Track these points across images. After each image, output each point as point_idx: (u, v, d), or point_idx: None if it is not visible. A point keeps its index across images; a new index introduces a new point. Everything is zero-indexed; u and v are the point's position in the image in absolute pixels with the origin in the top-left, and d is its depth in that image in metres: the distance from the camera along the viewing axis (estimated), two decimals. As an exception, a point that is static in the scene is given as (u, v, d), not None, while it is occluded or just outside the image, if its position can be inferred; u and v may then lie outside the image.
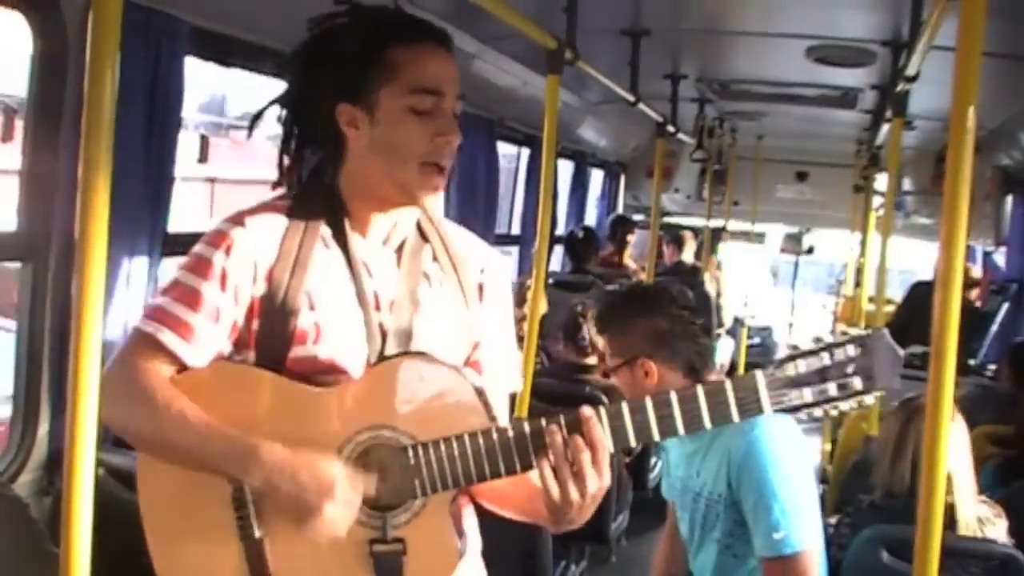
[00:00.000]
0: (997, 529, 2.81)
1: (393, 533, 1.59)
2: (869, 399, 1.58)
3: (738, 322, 9.11)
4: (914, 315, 6.02)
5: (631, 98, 4.89)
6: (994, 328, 6.41)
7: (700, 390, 1.55)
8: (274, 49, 3.41)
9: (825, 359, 1.54)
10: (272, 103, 1.74)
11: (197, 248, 1.65)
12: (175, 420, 1.55)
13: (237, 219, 1.66)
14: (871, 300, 4.75)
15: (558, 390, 4.15)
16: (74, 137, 2.62)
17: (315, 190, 1.72)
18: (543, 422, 1.56)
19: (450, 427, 1.58)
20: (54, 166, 2.65)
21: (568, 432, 1.54)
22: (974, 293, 6.78)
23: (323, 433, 1.58)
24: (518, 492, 1.71)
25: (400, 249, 1.74)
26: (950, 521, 2.71)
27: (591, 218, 8.88)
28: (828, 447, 5.73)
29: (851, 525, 2.92)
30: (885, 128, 5.08)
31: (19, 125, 2.74)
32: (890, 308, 6.24)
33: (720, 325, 8.29)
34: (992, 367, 5.85)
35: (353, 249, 1.69)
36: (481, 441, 1.57)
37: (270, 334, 1.64)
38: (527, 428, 1.56)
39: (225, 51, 3.36)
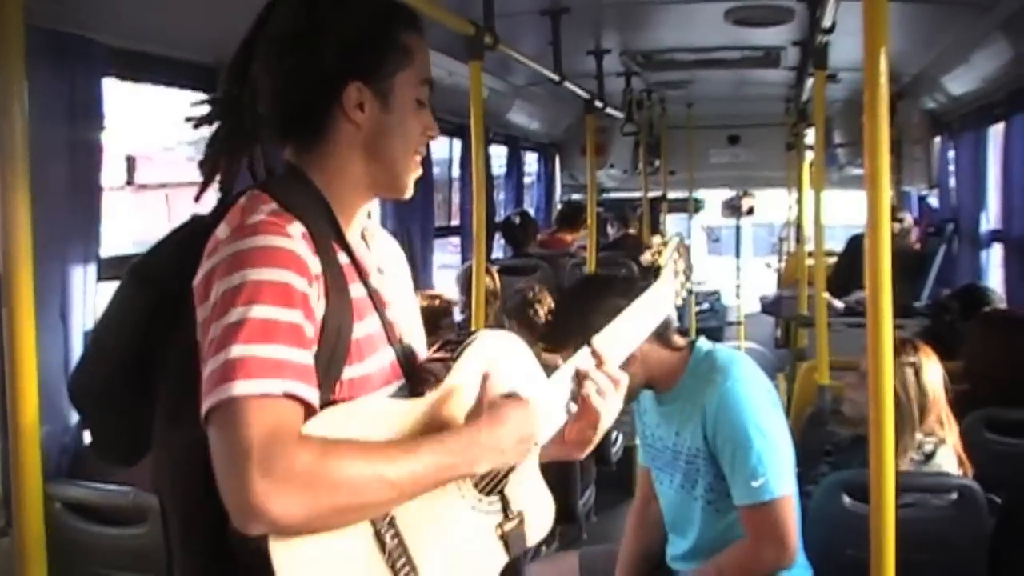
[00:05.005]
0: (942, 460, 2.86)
1: (514, 507, 1.60)
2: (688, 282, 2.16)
3: (685, 289, 9.13)
4: (853, 264, 6.09)
5: (556, 77, 4.89)
6: (935, 270, 6.51)
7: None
8: (197, 63, 3.38)
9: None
10: (238, 84, 1.49)
11: (258, 273, 1.32)
12: (388, 460, 1.33)
13: (277, 230, 1.37)
14: (810, 255, 4.80)
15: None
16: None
17: (294, 182, 1.50)
18: (581, 361, 1.73)
19: (528, 390, 1.60)
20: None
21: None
22: (912, 237, 6.87)
23: None
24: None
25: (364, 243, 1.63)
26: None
27: (529, 201, 8.89)
28: (785, 399, 5.80)
29: (834, 464, 2.98)
30: (810, 83, 5.13)
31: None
32: (832, 260, 6.31)
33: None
34: (936, 308, 5.93)
35: (351, 246, 1.53)
36: (553, 395, 1.69)
37: (328, 356, 1.39)
38: (573, 370, 1.73)
39: (145, 69, 3.32)
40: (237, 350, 1.26)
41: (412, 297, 1.76)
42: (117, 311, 1.50)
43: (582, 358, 1.75)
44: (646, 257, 2.20)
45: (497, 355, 1.62)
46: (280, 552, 1.26)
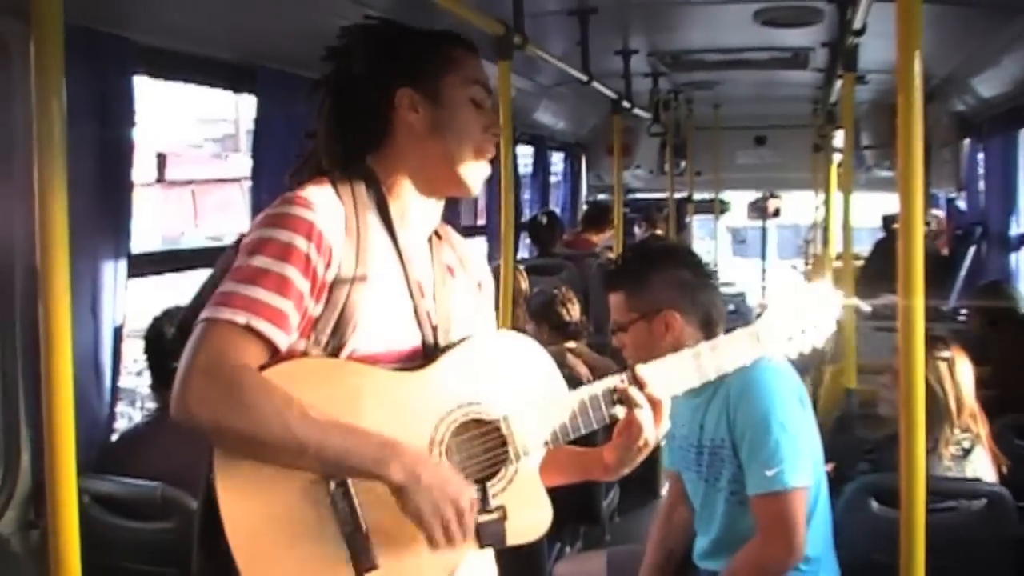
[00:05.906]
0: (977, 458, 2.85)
1: (494, 502, 1.65)
2: (821, 341, 1.94)
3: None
4: (885, 262, 6.04)
5: (584, 78, 4.88)
6: (962, 273, 6.46)
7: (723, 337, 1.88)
8: (227, 61, 3.39)
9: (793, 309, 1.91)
10: (324, 83, 1.76)
11: (270, 232, 1.57)
12: (301, 418, 1.49)
13: (305, 203, 1.60)
14: (838, 257, 4.78)
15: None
16: (28, 165, 2.59)
17: (356, 174, 1.72)
18: (619, 380, 1.75)
19: (534, 393, 1.72)
20: (10, 196, 2.62)
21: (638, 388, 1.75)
22: (940, 241, 6.83)
23: (416, 417, 1.63)
24: (568, 456, 1.85)
25: (429, 240, 1.81)
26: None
27: (555, 201, 8.87)
28: (811, 403, 5.77)
29: (874, 463, 2.98)
30: (838, 85, 5.10)
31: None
32: (858, 264, 6.27)
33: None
34: (964, 312, 5.90)
35: (398, 236, 1.72)
36: (564, 403, 1.73)
37: (332, 322, 1.61)
38: (604, 387, 1.75)
39: (175, 67, 3.34)
40: (228, 287, 1.54)
41: (478, 296, 1.89)
42: (219, 267, 1.71)
43: (620, 378, 1.77)
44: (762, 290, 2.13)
45: (493, 355, 1.73)
46: (220, 458, 1.52)
